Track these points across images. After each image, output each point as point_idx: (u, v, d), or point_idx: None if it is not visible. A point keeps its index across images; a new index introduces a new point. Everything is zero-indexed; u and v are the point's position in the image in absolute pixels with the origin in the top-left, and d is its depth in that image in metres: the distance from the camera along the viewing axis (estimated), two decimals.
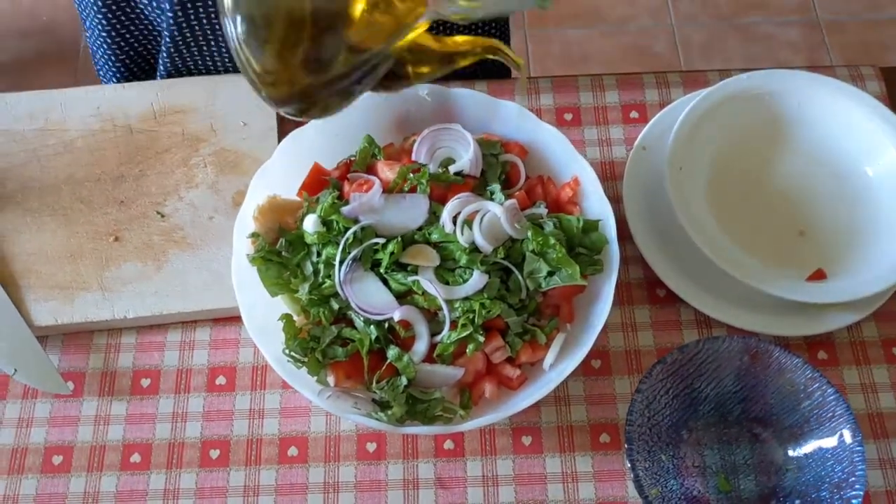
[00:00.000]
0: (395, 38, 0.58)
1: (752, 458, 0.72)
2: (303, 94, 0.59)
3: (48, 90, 0.88)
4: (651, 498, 0.65)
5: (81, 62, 2.07)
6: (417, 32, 0.59)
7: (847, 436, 0.66)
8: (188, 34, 0.90)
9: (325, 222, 0.71)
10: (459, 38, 0.64)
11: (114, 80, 1.05)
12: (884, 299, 0.77)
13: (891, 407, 0.74)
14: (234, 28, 0.55)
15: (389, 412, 0.67)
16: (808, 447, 0.69)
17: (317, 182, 0.76)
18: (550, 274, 0.70)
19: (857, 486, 0.64)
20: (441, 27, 0.92)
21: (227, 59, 0.94)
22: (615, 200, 0.80)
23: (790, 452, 0.70)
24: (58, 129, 0.86)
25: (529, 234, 0.70)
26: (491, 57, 0.65)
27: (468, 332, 0.68)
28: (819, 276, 0.76)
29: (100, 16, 0.96)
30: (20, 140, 0.86)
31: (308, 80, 0.57)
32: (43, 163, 0.85)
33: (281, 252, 0.72)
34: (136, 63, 1.03)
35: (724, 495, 0.70)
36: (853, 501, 0.64)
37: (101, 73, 1.06)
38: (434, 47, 0.63)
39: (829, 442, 0.68)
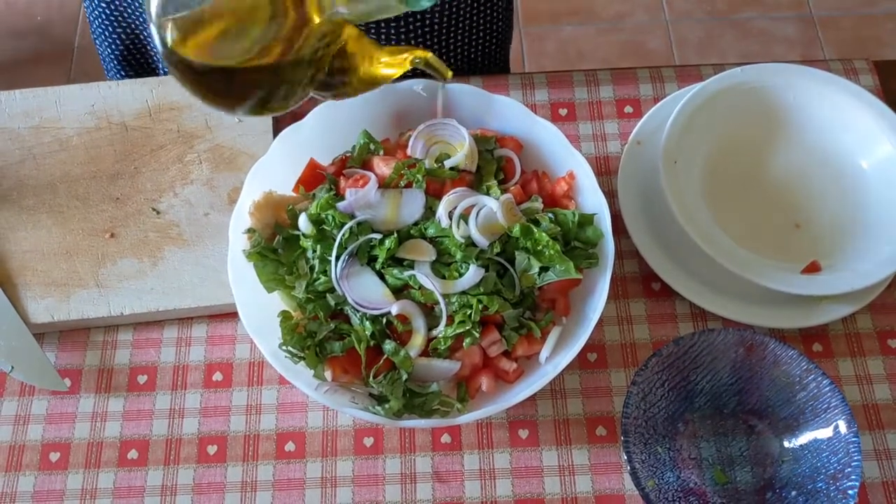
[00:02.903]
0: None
1: (748, 450, 0.72)
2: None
3: (43, 88, 0.88)
4: (648, 490, 0.65)
5: (76, 62, 2.07)
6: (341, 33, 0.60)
7: (842, 427, 0.67)
8: None
9: (320, 219, 0.71)
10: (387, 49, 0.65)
11: (115, 69, 1.04)
12: (878, 291, 0.77)
13: (886, 398, 0.75)
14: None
15: (387, 406, 0.67)
16: (804, 439, 0.69)
17: (313, 177, 0.76)
18: (545, 270, 0.70)
19: (852, 477, 0.65)
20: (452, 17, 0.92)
21: None
22: (610, 195, 0.81)
23: (786, 444, 0.71)
24: (53, 127, 0.86)
25: (519, 234, 0.70)
26: (421, 68, 0.66)
27: (465, 327, 0.68)
28: (814, 268, 0.77)
29: (102, 5, 0.96)
30: (15, 138, 0.86)
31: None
32: (38, 160, 0.85)
33: (277, 249, 0.72)
34: (133, 56, 1.03)
35: (721, 487, 0.71)
36: (849, 492, 0.64)
37: (104, 62, 1.06)
38: (359, 51, 0.63)
39: (825, 433, 0.68)
